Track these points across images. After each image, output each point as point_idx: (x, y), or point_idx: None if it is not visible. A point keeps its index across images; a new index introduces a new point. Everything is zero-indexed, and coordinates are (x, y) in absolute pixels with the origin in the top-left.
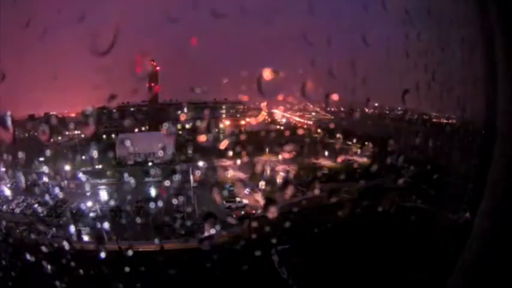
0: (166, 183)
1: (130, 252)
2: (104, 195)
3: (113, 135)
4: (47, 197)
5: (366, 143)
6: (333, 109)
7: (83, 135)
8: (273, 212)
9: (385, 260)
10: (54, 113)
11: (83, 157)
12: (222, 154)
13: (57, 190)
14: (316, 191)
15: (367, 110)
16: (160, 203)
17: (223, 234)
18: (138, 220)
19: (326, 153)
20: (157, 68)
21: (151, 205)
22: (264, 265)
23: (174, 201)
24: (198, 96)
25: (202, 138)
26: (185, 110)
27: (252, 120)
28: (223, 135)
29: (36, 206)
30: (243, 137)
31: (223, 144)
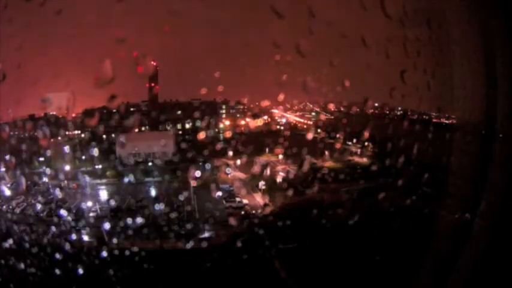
0: (166, 183)
1: (130, 252)
2: (104, 195)
3: (113, 135)
4: (47, 197)
5: (366, 143)
6: (332, 109)
7: (83, 135)
8: (272, 212)
9: (385, 260)
10: (54, 113)
11: (83, 157)
12: (222, 154)
13: (57, 190)
14: (316, 191)
15: (367, 110)
16: (160, 203)
17: (223, 234)
18: (138, 220)
19: (326, 153)
20: (158, 68)
21: (151, 205)
22: (264, 265)
23: (174, 199)
24: (198, 96)
25: (202, 138)
26: (185, 110)
27: (252, 121)
28: (223, 135)
29: (36, 206)
30: (243, 137)
31: (223, 144)
